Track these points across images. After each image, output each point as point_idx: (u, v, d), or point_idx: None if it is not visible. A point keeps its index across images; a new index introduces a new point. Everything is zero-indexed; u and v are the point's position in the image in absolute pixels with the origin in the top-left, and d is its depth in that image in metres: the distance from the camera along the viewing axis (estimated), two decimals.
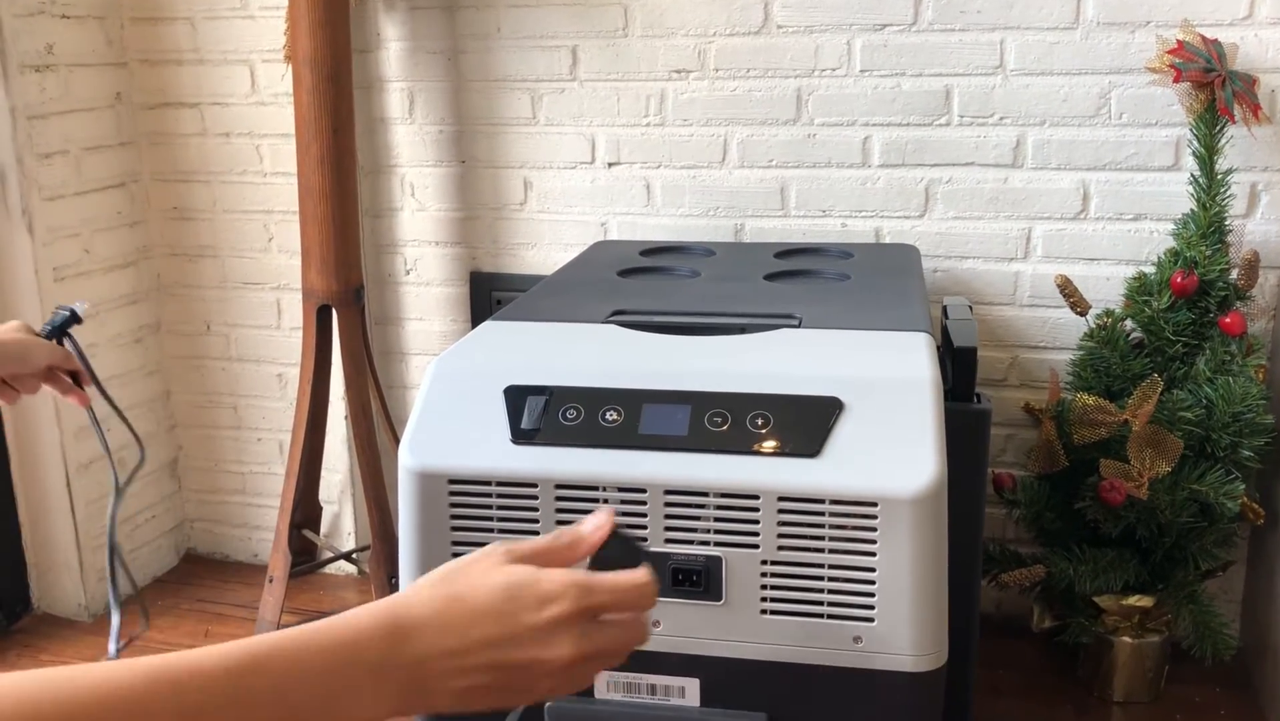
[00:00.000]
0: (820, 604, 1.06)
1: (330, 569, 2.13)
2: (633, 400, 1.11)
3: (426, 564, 1.12)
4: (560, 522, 1.09)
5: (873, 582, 1.04)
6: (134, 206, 2.04)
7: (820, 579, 1.06)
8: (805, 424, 1.07)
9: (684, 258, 1.70)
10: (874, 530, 1.03)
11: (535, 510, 1.09)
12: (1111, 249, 1.76)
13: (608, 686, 1.11)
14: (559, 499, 1.09)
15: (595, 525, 0.75)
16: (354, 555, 2.06)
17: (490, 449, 1.10)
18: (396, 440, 2.00)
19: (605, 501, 1.08)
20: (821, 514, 1.04)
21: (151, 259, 2.09)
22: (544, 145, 1.93)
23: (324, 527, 2.11)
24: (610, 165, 1.92)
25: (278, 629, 1.86)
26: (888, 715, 1.08)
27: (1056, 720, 1.67)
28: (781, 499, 1.04)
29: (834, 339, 1.22)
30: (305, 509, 2.05)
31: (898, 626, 1.05)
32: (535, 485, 1.09)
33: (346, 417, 2.05)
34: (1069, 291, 1.63)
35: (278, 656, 0.61)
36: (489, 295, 2.02)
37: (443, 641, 0.64)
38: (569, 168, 1.93)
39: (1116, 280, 1.76)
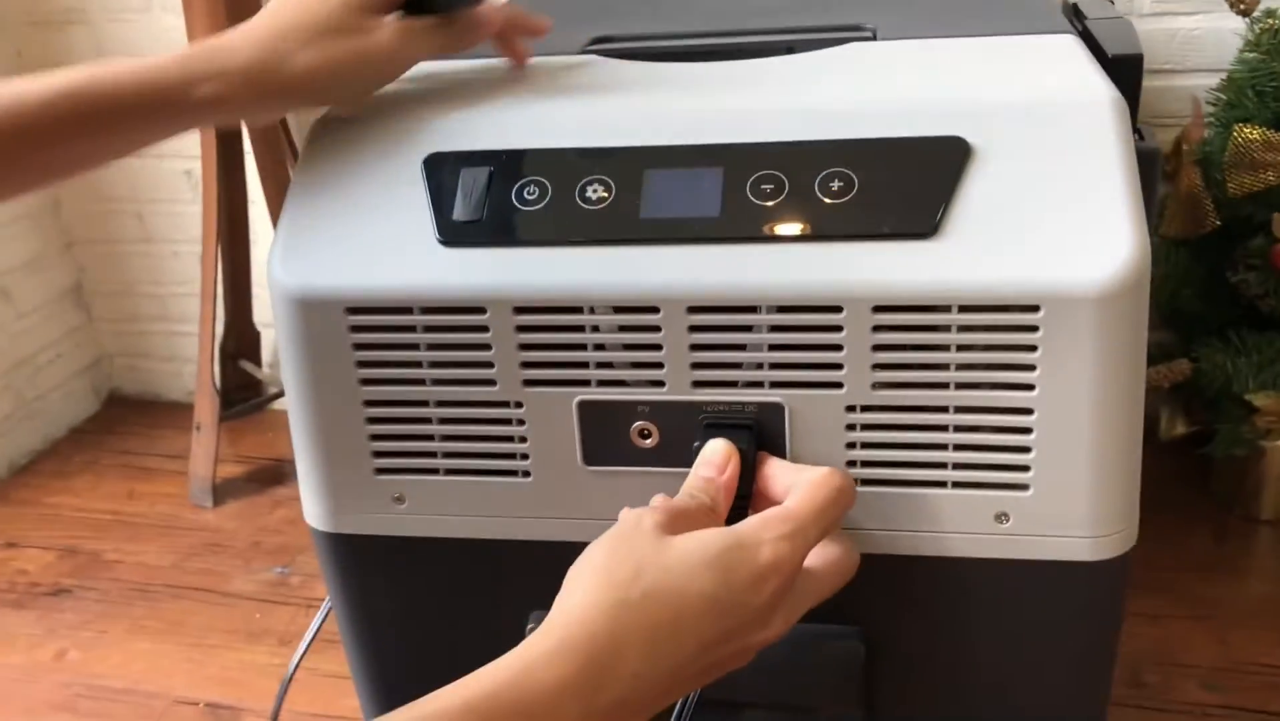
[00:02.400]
0: (943, 466, 0.67)
1: (279, 404, 1.76)
2: (629, 166, 0.69)
3: (324, 433, 0.74)
4: (528, 364, 0.69)
5: (1029, 431, 0.65)
6: None
7: (943, 429, 0.67)
8: (912, 185, 0.65)
9: None
10: (1033, 350, 0.63)
11: (487, 346, 0.69)
12: None
13: None
14: (522, 328, 0.68)
15: (724, 462, 0.65)
16: None
17: (407, 256, 0.70)
18: None
19: (595, 329, 0.68)
20: (946, 328, 0.64)
21: (5, 27, 1.63)
22: None
23: (266, 355, 1.73)
24: None
25: (214, 484, 1.50)
26: (1048, 626, 0.71)
27: (1191, 547, 1.32)
28: (878, 309, 0.64)
29: (933, 52, 0.78)
30: (238, 336, 1.66)
31: (1068, 494, 0.66)
32: (482, 309, 0.68)
33: (271, 216, 1.63)
34: None
35: None
36: None
37: (655, 669, 0.54)
38: None
39: None
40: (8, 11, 1.58)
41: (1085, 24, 0.89)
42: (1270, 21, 1.17)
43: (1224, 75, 1.26)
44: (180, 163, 1.67)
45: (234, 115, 0.71)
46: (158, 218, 1.71)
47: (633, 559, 0.56)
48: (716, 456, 0.65)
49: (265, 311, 1.70)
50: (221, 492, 1.54)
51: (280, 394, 1.66)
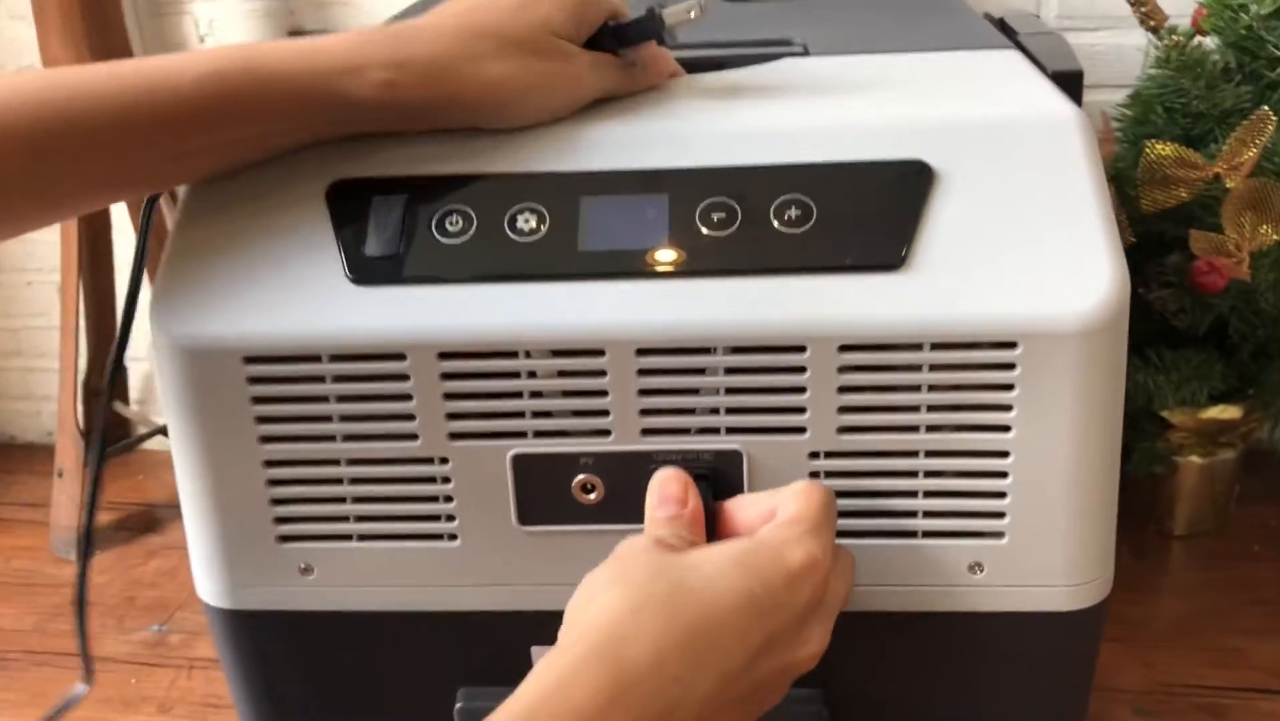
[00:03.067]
0: (914, 515, 0.62)
1: (150, 444, 1.63)
2: (563, 193, 0.62)
3: (219, 499, 0.65)
4: (455, 416, 0.62)
5: (1005, 475, 0.61)
6: None
7: (914, 475, 0.61)
8: (874, 212, 0.60)
9: None
10: (1010, 389, 0.59)
11: (407, 397, 0.62)
12: None
13: None
14: (447, 375, 0.61)
15: (684, 493, 0.58)
16: None
17: (312, 297, 0.61)
18: None
19: (531, 374, 0.61)
20: (917, 367, 0.59)
21: None
22: None
23: (134, 393, 1.60)
24: None
25: (83, 533, 1.38)
26: (1021, 677, 0.67)
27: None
28: (845, 348, 0.59)
29: (874, 69, 0.74)
30: (103, 372, 1.53)
31: (1044, 543, 0.62)
32: (402, 355, 0.61)
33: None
34: None
35: None
36: None
37: (699, 674, 0.48)
38: None
39: None
40: None
41: (1018, 39, 0.86)
42: (1178, 38, 1.17)
43: (1129, 91, 1.26)
44: None
45: (398, 115, 0.61)
46: (9, 245, 1.57)
47: (647, 564, 0.51)
48: (673, 488, 0.58)
49: (135, 345, 1.58)
50: (91, 545, 1.41)
51: (151, 434, 1.54)
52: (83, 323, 1.43)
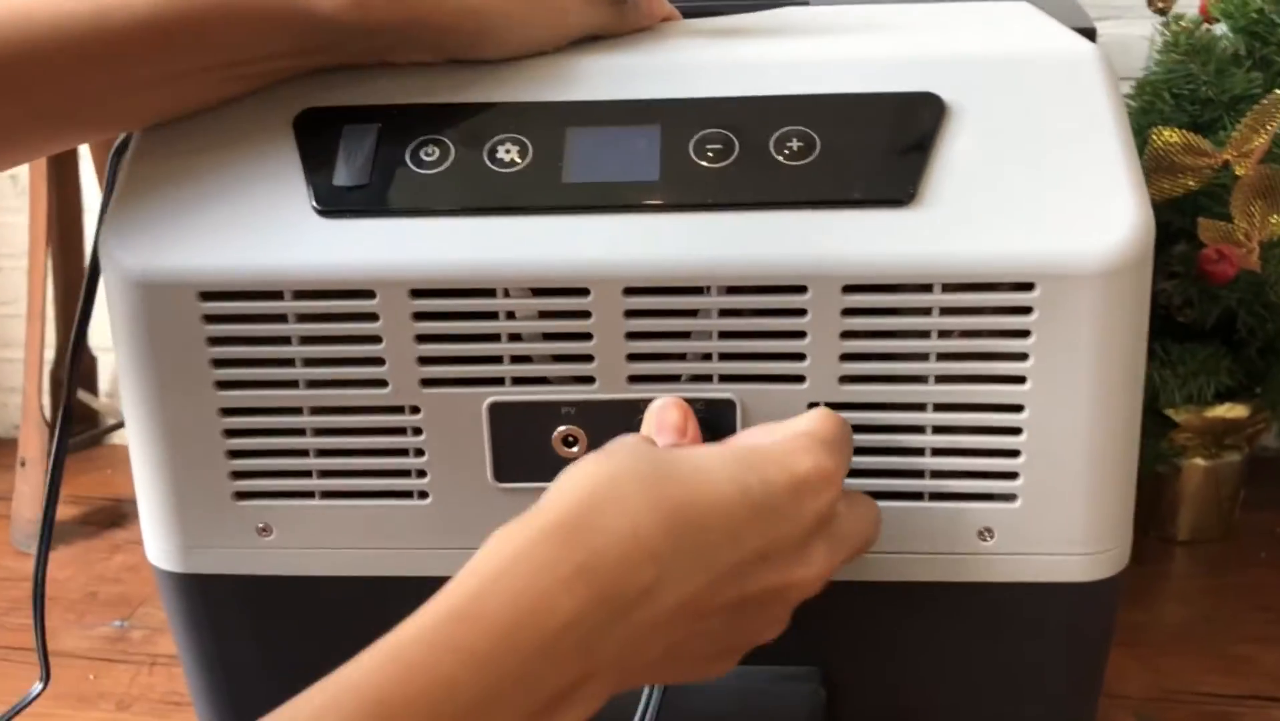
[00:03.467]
0: (920, 475, 0.58)
1: (117, 437, 1.58)
2: (548, 123, 0.58)
3: (170, 451, 0.60)
4: (427, 360, 0.57)
5: (1018, 432, 0.56)
6: None
7: (921, 430, 0.57)
8: (881, 146, 0.56)
9: None
10: (1026, 335, 0.54)
11: (376, 339, 0.57)
12: None
13: None
14: (419, 315, 0.56)
15: (684, 422, 0.53)
16: None
17: (275, 228, 0.57)
18: None
19: (510, 315, 0.57)
20: (925, 310, 0.55)
21: None
22: None
23: (103, 384, 1.55)
24: None
25: (45, 525, 1.33)
26: (1032, 654, 0.62)
27: None
28: (849, 289, 0.54)
29: (879, 13, 0.70)
30: (72, 360, 1.48)
31: (1060, 507, 0.57)
32: (370, 293, 0.56)
33: None
34: None
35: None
36: None
37: (682, 566, 0.42)
38: None
39: None
40: None
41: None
42: (1186, 24, 1.14)
43: (1132, 82, 1.23)
44: None
45: (368, 39, 0.56)
46: None
47: (633, 448, 0.47)
48: (672, 416, 0.54)
49: (102, 333, 1.53)
50: (51, 537, 1.36)
51: (120, 425, 1.48)
52: (50, 309, 1.39)
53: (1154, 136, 1.11)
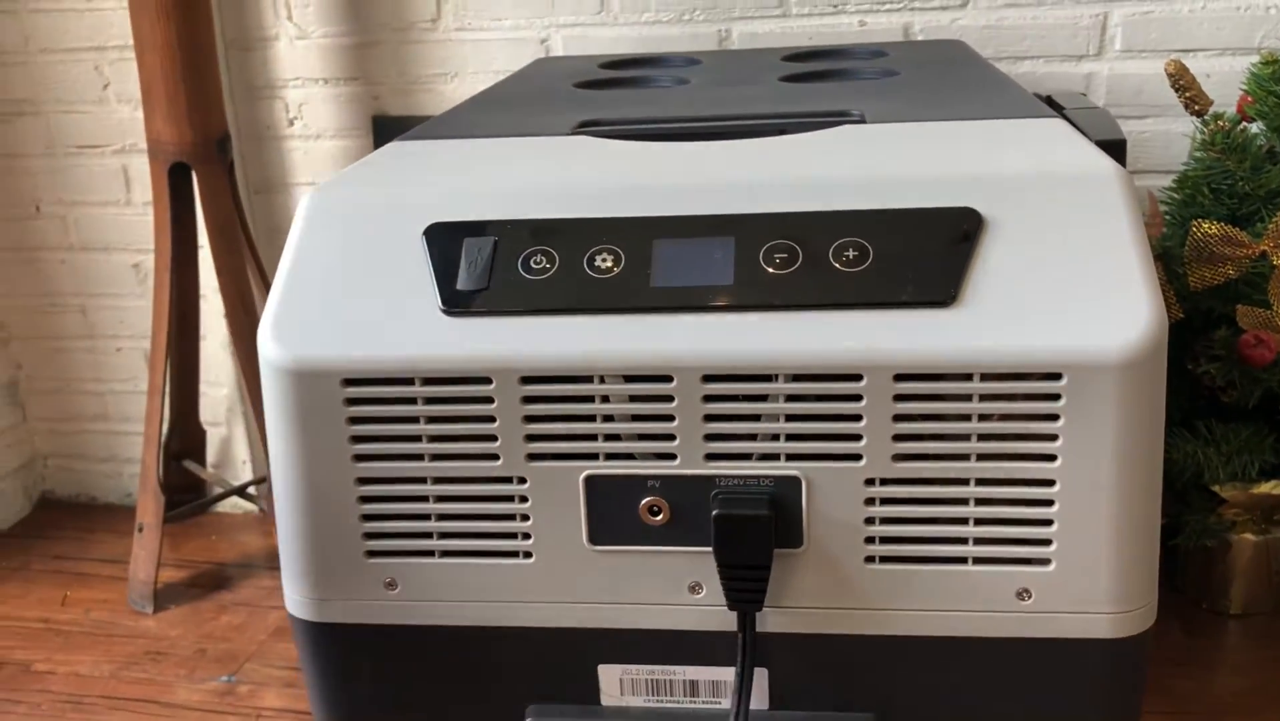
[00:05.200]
0: (964, 541, 0.66)
1: (223, 506, 1.69)
2: (637, 235, 0.68)
3: (313, 514, 0.70)
4: (533, 437, 0.67)
5: (1051, 503, 0.64)
6: None
7: (963, 502, 0.65)
8: (927, 254, 0.65)
9: (661, 69, 1.25)
10: (1055, 419, 0.62)
11: (490, 419, 0.67)
12: (1214, 35, 1.35)
13: (622, 685, 0.70)
14: (528, 399, 0.66)
15: None
16: (251, 489, 1.62)
17: (408, 324, 0.67)
18: None
19: (605, 399, 0.66)
20: (967, 397, 0.63)
21: None
22: None
23: (211, 456, 1.67)
24: None
25: (155, 588, 1.43)
26: (1068, 704, 0.69)
27: (1161, 641, 1.31)
28: (900, 377, 0.63)
29: (928, 133, 0.79)
30: (183, 435, 1.60)
31: (1090, 570, 0.65)
32: (487, 379, 0.66)
33: (226, 316, 1.59)
34: (1184, 82, 1.21)
35: None
36: None
37: None
38: None
39: (1220, 75, 1.35)
40: None
41: (1065, 113, 0.91)
42: (1222, 123, 1.22)
43: (1174, 175, 1.30)
44: (129, 256, 1.62)
45: None
46: (102, 312, 1.66)
47: None
48: None
49: (212, 410, 1.65)
50: (162, 598, 1.46)
51: (224, 495, 1.60)
52: (166, 387, 1.51)
53: (1195, 228, 1.19)
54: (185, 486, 1.62)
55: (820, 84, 1.08)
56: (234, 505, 1.69)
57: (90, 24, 1.54)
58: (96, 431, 1.74)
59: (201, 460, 1.64)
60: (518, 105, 1.02)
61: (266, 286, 1.50)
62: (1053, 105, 0.97)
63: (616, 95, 1.07)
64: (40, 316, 1.70)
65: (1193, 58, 1.36)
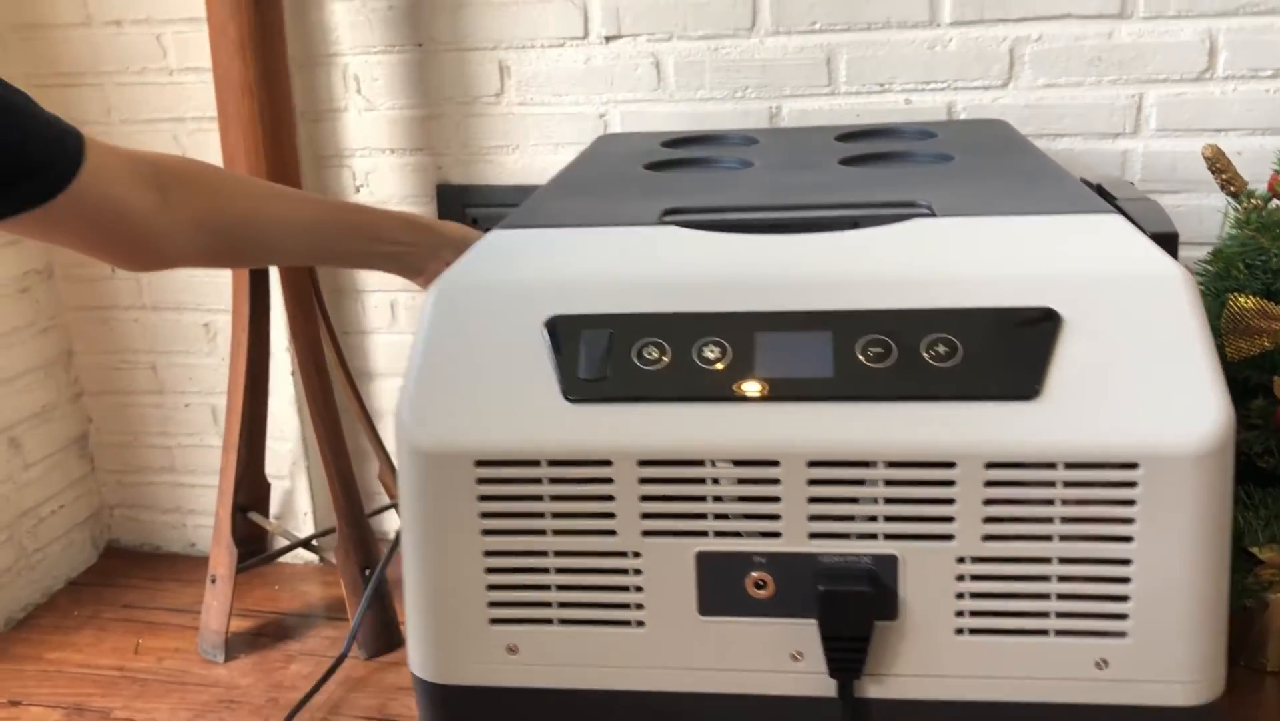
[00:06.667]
0: (1045, 615, 0.71)
1: (289, 558, 1.75)
2: (740, 329, 0.74)
3: (441, 583, 0.76)
4: (649, 516, 0.73)
5: (1127, 581, 0.70)
6: None
7: (1046, 580, 0.71)
8: (1011, 350, 0.71)
9: (721, 147, 1.32)
10: (1132, 504, 0.68)
11: (610, 498, 0.73)
12: (1245, 115, 1.42)
13: None
14: (645, 480, 0.72)
15: None
16: (314, 541, 1.68)
17: (535, 411, 0.73)
18: (357, 397, 1.61)
19: (715, 481, 0.72)
20: (1051, 484, 0.69)
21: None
22: (523, 17, 1.53)
23: (273, 508, 1.73)
24: (608, 39, 1.53)
25: (226, 639, 1.49)
26: None
27: None
28: (991, 465, 0.69)
29: (994, 229, 0.85)
30: (249, 488, 1.66)
31: (1163, 642, 0.70)
32: (608, 462, 0.72)
33: (293, 373, 1.66)
34: (1220, 165, 1.28)
35: None
36: (462, 213, 1.63)
37: None
38: (555, 45, 1.54)
39: (1251, 154, 1.42)
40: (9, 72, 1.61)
41: (1118, 204, 0.97)
42: (1255, 201, 1.28)
43: (1209, 248, 1.37)
44: (200, 316, 1.69)
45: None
46: (172, 369, 1.73)
47: None
48: None
49: (277, 463, 1.71)
50: (231, 646, 1.52)
51: (289, 547, 1.65)
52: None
53: (1231, 302, 1.25)
54: (248, 537, 1.68)
55: (879, 168, 1.14)
56: (295, 556, 1.75)
57: (171, 96, 1.62)
58: (162, 483, 1.81)
59: (265, 512, 1.70)
60: (597, 190, 1.09)
61: (336, 348, 1.57)
62: (1104, 195, 1.03)
63: (687, 178, 1.14)
64: (112, 373, 1.76)
65: (1225, 137, 1.43)
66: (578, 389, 0.73)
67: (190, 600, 1.67)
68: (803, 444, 0.70)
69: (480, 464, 0.73)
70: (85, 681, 1.50)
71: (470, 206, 1.63)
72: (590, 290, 0.77)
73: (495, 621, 0.76)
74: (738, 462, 0.71)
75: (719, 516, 0.72)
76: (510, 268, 0.82)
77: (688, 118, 1.53)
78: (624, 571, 0.74)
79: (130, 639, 1.59)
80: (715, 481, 0.72)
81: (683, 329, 0.75)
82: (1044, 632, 0.71)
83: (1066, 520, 0.69)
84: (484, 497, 0.73)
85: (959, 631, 0.72)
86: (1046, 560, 0.70)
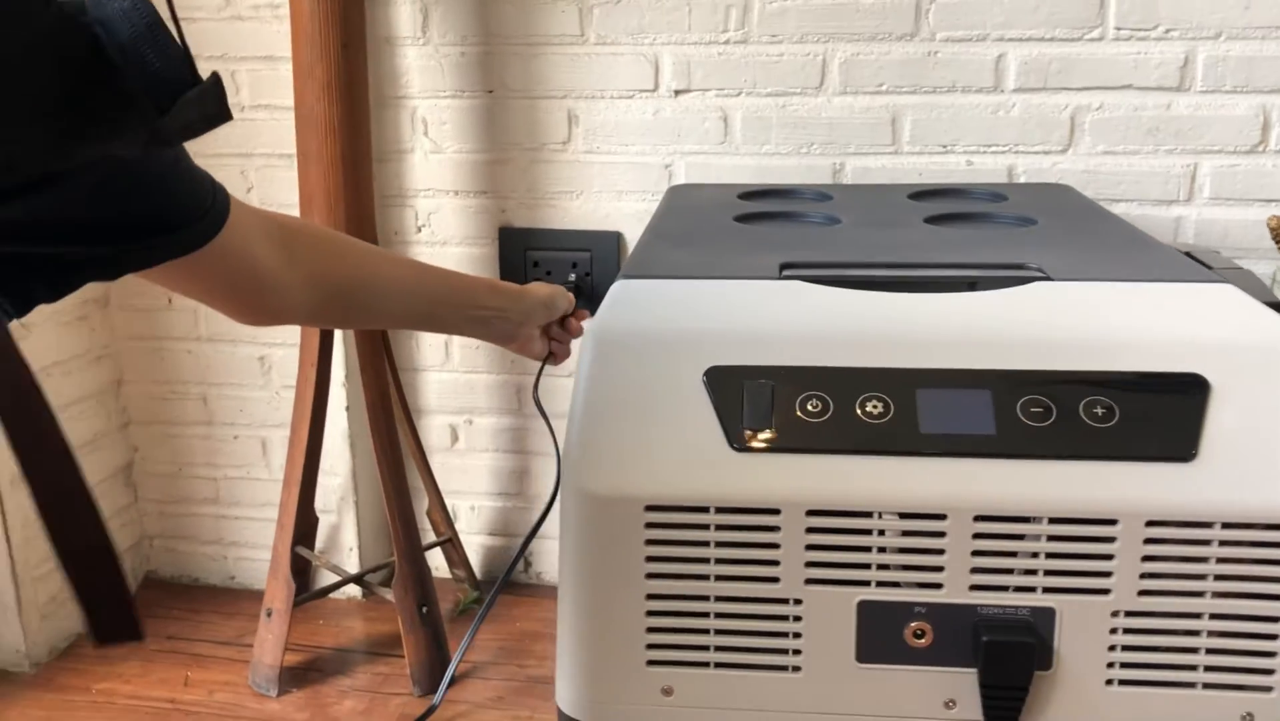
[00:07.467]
0: (1194, 669, 0.74)
1: (341, 592, 1.74)
2: (901, 385, 0.77)
3: (600, 623, 0.77)
4: (813, 564, 0.75)
5: (1275, 638, 0.73)
6: None
7: (1197, 634, 0.74)
8: (1165, 413, 0.74)
9: (799, 202, 1.36)
10: None
11: (776, 545, 0.75)
12: None
13: None
14: (811, 530, 0.74)
15: None
16: (365, 577, 1.68)
17: (702, 459, 0.76)
18: (414, 434, 1.63)
19: (880, 533, 0.74)
20: (1207, 542, 0.72)
21: None
22: (595, 69, 1.57)
23: (319, 542, 1.73)
24: (678, 93, 1.56)
25: (280, 673, 1.48)
26: None
27: None
28: (1151, 523, 0.72)
29: (1117, 296, 0.89)
30: (299, 521, 1.66)
31: None
32: (776, 510, 0.74)
33: (348, 407, 1.67)
34: None
35: None
36: (523, 256, 1.66)
37: None
38: (625, 96, 1.57)
39: None
40: None
41: (1217, 273, 1.01)
42: None
43: None
44: (255, 349, 1.70)
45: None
46: (223, 401, 1.73)
47: None
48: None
49: (324, 497, 1.71)
50: (282, 681, 1.51)
51: (344, 582, 1.64)
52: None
53: None
54: (295, 572, 1.68)
55: (965, 228, 1.18)
56: (340, 591, 1.74)
57: (241, 133, 1.63)
58: (205, 515, 1.80)
59: (311, 546, 1.70)
60: (698, 241, 1.12)
61: (397, 384, 1.58)
62: (1198, 261, 1.07)
63: (784, 232, 1.17)
64: (160, 403, 1.76)
65: (1277, 207, 1.48)
66: (743, 438, 0.76)
67: (233, 633, 1.66)
68: (970, 498, 0.73)
69: (650, 508, 0.75)
70: (137, 713, 1.48)
71: (532, 249, 1.66)
72: (746, 342, 0.79)
73: (652, 663, 0.77)
74: (904, 515, 0.74)
75: (881, 566, 0.75)
76: (661, 318, 0.84)
77: (752, 170, 1.57)
78: (784, 618, 0.76)
79: (176, 670, 1.58)
80: (881, 533, 0.74)
81: (843, 383, 0.77)
82: (1192, 685, 0.74)
83: (1220, 577, 0.72)
84: (651, 541, 0.75)
85: (1109, 682, 0.74)
86: (1198, 615, 0.73)
